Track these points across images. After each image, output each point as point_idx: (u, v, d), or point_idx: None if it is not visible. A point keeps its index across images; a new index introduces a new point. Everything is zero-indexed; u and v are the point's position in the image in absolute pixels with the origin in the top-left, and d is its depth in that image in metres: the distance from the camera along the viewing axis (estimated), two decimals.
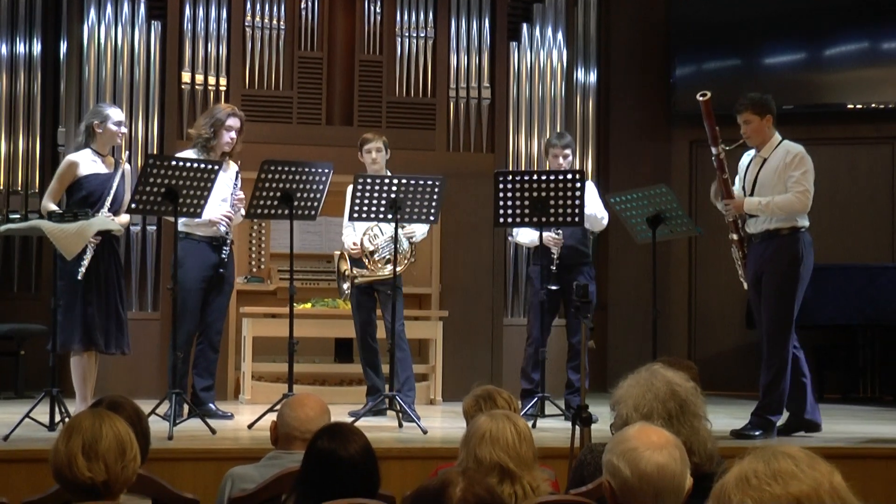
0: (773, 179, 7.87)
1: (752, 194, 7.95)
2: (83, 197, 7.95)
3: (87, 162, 8.03)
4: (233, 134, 8.64)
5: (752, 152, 8.10)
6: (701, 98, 7.99)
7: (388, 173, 8.88)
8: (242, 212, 8.55)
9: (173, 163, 7.76)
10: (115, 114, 8.20)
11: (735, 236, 8.13)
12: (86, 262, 7.71)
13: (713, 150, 8.02)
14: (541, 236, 8.69)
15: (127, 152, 8.27)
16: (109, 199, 7.93)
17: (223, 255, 8.60)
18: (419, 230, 9.02)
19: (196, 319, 8.62)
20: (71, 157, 8.14)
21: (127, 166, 8.28)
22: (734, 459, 2.64)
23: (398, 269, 8.61)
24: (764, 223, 7.89)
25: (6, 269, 11.18)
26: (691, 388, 3.89)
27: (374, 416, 8.61)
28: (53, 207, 7.86)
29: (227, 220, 8.56)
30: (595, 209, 9.16)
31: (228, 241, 8.63)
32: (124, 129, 8.32)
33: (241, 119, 8.74)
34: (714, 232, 10.89)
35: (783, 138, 8.02)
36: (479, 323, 11.03)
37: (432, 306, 10.70)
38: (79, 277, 7.72)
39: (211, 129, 8.61)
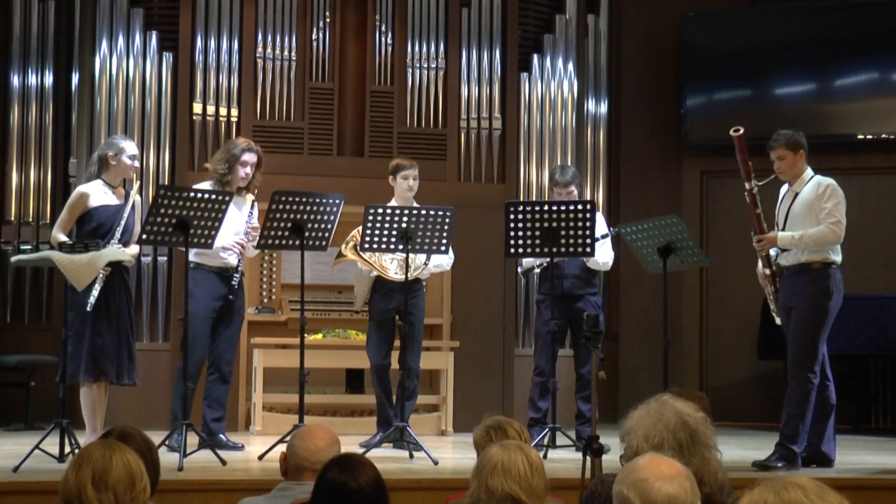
0: (806, 212, 7.90)
1: (783, 228, 7.98)
2: (93, 228, 7.96)
3: (97, 193, 8.05)
4: (248, 169, 8.64)
5: (786, 186, 8.14)
6: (734, 133, 8.02)
7: (414, 203, 8.90)
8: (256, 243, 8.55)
9: (184, 194, 7.78)
10: (130, 147, 8.21)
11: (767, 271, 8.13)
12: (95, 293, 7.71)
13: (746, 186, 8.06)
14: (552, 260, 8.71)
15: (138, 183, 8.26)
16: (119, 230, 7.94)
17: (234, 284, 8.60)
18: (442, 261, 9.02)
19: (205, 349, 8.61)
20: (81, 188, 8.16)
21: (137, 198, 8.29)
22: (744, 490, 2.64)
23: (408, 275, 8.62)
24: (796, 256, 7.92)
25: (17, 299, 11.21)
26: (701, 419, 3.89)
27: (387, 448, 8.59)
28: (63, 238, 7.87)
29: (240, 247, 8.56)
30: (602, 256, 9.15)
31: (239, 272, 8.64)
32: (137, 163, 8.34)
33: (257, 154, 8.72)
34: (726, 262, 10.89)
35: (814, 173, 8.05)
36: (489, 354, 11.01)
37: (443, 337, 10.69)
38: (88, 308, 7.72)
39: (226, 164, 8.61)
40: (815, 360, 7.83)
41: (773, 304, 8.18)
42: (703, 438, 3.84)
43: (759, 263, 8.22)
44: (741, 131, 8.02)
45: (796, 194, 8.02)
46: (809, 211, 7.90)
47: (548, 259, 8.83)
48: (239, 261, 8.63)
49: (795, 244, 7.87)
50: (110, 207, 8.03)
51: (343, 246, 8.91)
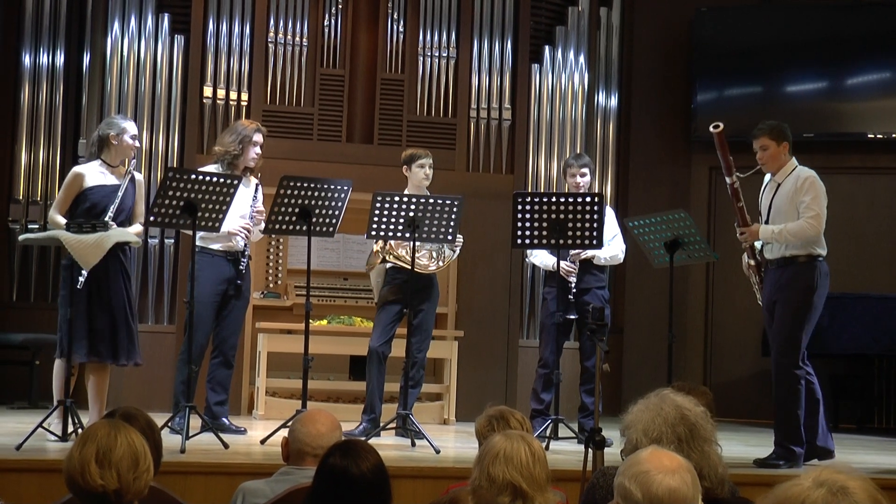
0: (787, 205, 7.86)
1: (767, 220, 7.96)
2: (87, 208, 7.89)
3: (93, 173, 8.00)
4: (258, 150, 8.68)
5: (768, 176, 8.09)
6: (714, 130, 7.99)
7: (427, 192, 8.89)
8: (262, 227, 8.55)
9: (193, 176, 7.75)
10: (131, 127, 8.15)
11: (752, 261, 8.12)
12: (85, 271, 7.67)
13: (728, 180, 8.04)
14: (558, 264, 8.71)
15: (134, 162, 8.18)
16: (112, 210, 7.87)
17: (241, 268, 8.61)
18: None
19: (208, 333, 8.63)
20: (77, 168, 8.13)
21: (139, 177, 8.23)
22: (793, 478, 2.61)
23: (438, 264, 8.82)
24: (781, 250, 7.87)
25: (23, 278, 11.22)
26: (701, 413, 3.88)
27: (389, 435, 8.59)
28: (60, 218, 7.83)
29: (246, 232, 8.57)
30: (612, 252, 9.16)
31: (246, 256, 8.64)
32: (138, 143, 8.29)
33: (264, 135, 8.79)
34: (732, 258, 10.87)
35: (798, 164, 8.01)
36: (494, 344, 11.02)
37: (448, 326, 10.69)
38: (78, 286, 7.66)
39: (240, 145, 8.64)
40: (798, 355, 7.77)
41: (759, 293, 8.16)
42: (703, 433, 3.83)
43: (745, 254, 8.21)
44: (720, 127, 7.99)
45: (778, 185, 7.96)
46: (791, 204, 7.84)
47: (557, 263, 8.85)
48: (246, 244, 8.64)
49: (776, 238, 7.84)
50: (106, 188, 7.96)
51: (375, 255, 8.88)
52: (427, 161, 8.97)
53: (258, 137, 8.71)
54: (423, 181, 8.95)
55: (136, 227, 8.12)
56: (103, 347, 7.82)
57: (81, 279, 7.65)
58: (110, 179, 8.02)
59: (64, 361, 7.84)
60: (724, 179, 8.08)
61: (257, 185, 8.76)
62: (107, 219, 7.78)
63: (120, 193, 7.93)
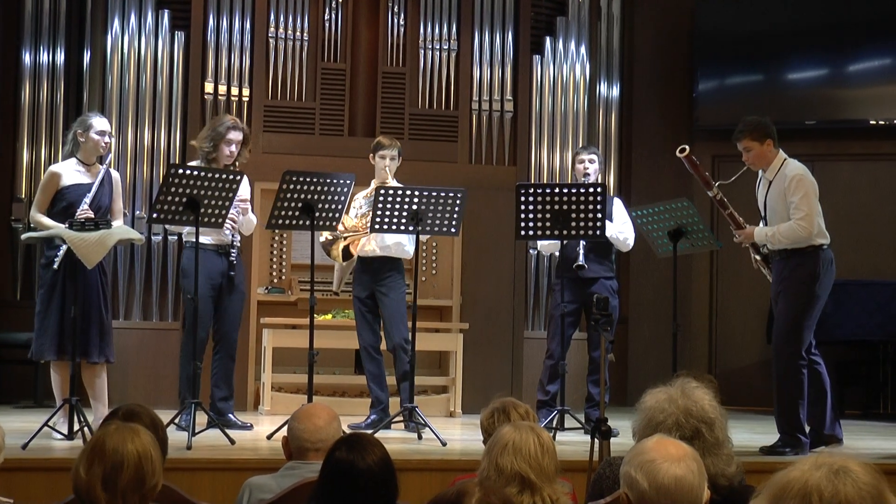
0: (779, 204, 7.84)
1: (765, 216, 7.96)
2: (63, 207, 7.85)
3: (69, 172, 7.96)
4: (233, 147, 8.53)
5: (761, 172, 8.07)
6: (680, 154, 8.05)
7: (395, 182, 8.88)
8: (252, 216, 8.53)
9: (195, 173, 7.74)
10: (99, 123, 8.06)
11: (758, 257, 8.12)
12: (59, 257, 7.66)
13: (709, 194, 8.07)
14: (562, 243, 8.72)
15: (110, 158, 8.12)
16: (83, 207, 7.82)
17: (231, 259, 8.54)
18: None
19: (207, 327, 8.59)
20: (53, 167, 8.10)
21: (115, 174, 8.21)
22: (765, 478, 2.61)
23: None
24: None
25: (27, 277, 11.21)
26: (711, 413, 3.85)
27: (396, 429, 8.59)
28: (45, 219, 7.81)
29: (232, 223, 8.47)
30: (622, 230, 9.13)
31: (235, 248, 8.57)
32: (108, 139, 8.14)
33: (243, 132, 8.65)
34: (735, 246, 10.86)
35: (786, 157, 7.96)
36: (499, 335, 11.01)
37: (453, 318, 10.70)
38: (55, 266, 7.68)
39: (211, 142, 8.55)
40: (801, 345, 7.75)
41: None
42: (719, 435, 3.81)
43: (750, 251, 8.21)
44: (687, 150, 8.07)
45: (770, 182, 7.94)
46: (782, 203, 7.82)
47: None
48: (234, 236, 8.57)
49: (770, 240, 7.84)
50: (81, 186, 7.91)
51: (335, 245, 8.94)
52: (390, 152, 8.94)
53: (233, 135, 8.55)
54: (383, 172, 8.92)
55: (117, 223, 8.07)
56: (72, 345, 7.71)
57: (58, 258, 7.64)
58: (86, 178, 7.98)
59: (57, 362, 7.86)
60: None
61: (242, 174, 8.64)
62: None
63: (90, 193, 7.87)
